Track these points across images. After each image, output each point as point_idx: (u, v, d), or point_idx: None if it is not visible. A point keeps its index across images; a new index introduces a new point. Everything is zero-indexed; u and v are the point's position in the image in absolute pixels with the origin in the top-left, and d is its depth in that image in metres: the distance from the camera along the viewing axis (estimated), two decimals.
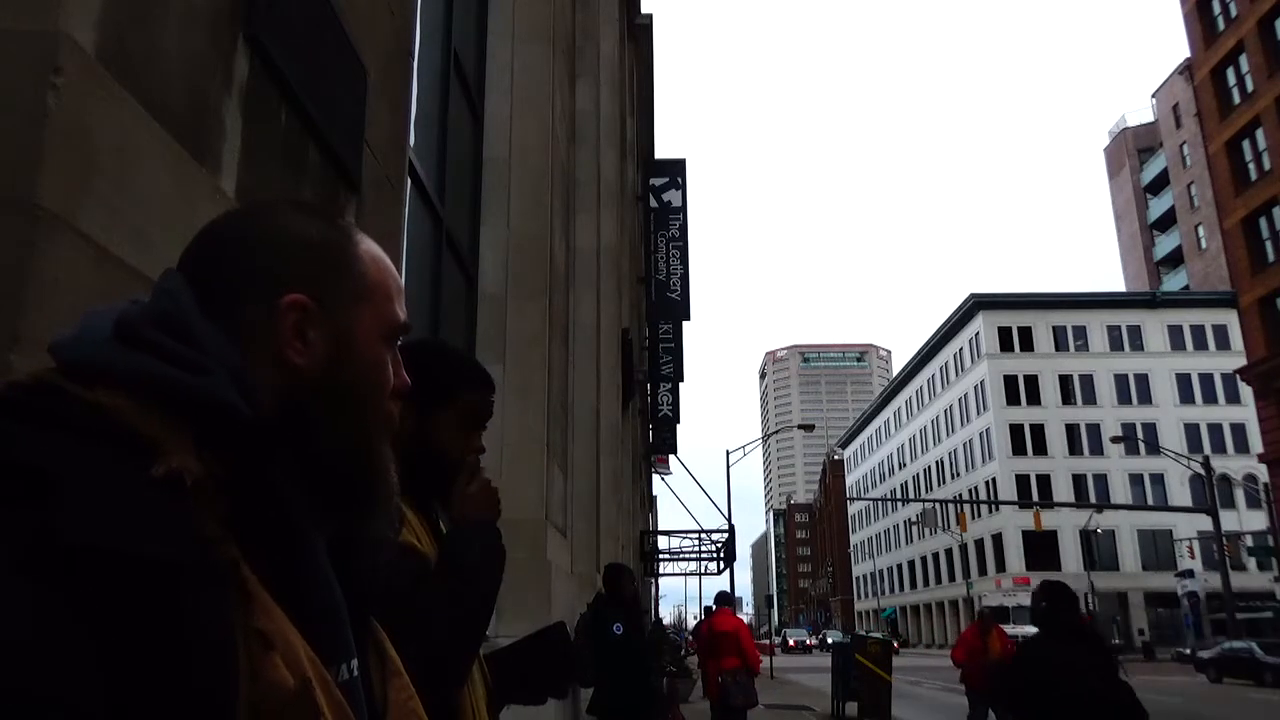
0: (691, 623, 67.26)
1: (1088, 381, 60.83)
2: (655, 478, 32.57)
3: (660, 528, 34.94)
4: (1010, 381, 61.14)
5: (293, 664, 0.61)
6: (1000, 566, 60.25)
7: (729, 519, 28.37)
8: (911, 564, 79.82)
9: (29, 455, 0.56)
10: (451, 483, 1.49)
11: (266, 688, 0.59)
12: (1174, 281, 65.93)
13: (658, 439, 27.51)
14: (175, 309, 0.71)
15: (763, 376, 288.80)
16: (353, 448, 0.76)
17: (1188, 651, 39.73)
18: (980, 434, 63.27)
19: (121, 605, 0.53)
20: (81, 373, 0.65)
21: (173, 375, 0.66)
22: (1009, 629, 29.69)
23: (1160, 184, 66.56)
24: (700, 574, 30.02)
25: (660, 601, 38.61)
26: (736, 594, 16.27)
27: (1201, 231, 59.84)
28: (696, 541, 28.14)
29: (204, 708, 0.56)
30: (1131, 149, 70.94)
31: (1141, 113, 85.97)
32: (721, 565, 27.82)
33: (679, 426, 29.19)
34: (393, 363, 0.81)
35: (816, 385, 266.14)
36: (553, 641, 1.71)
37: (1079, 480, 58.95)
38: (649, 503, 32.28)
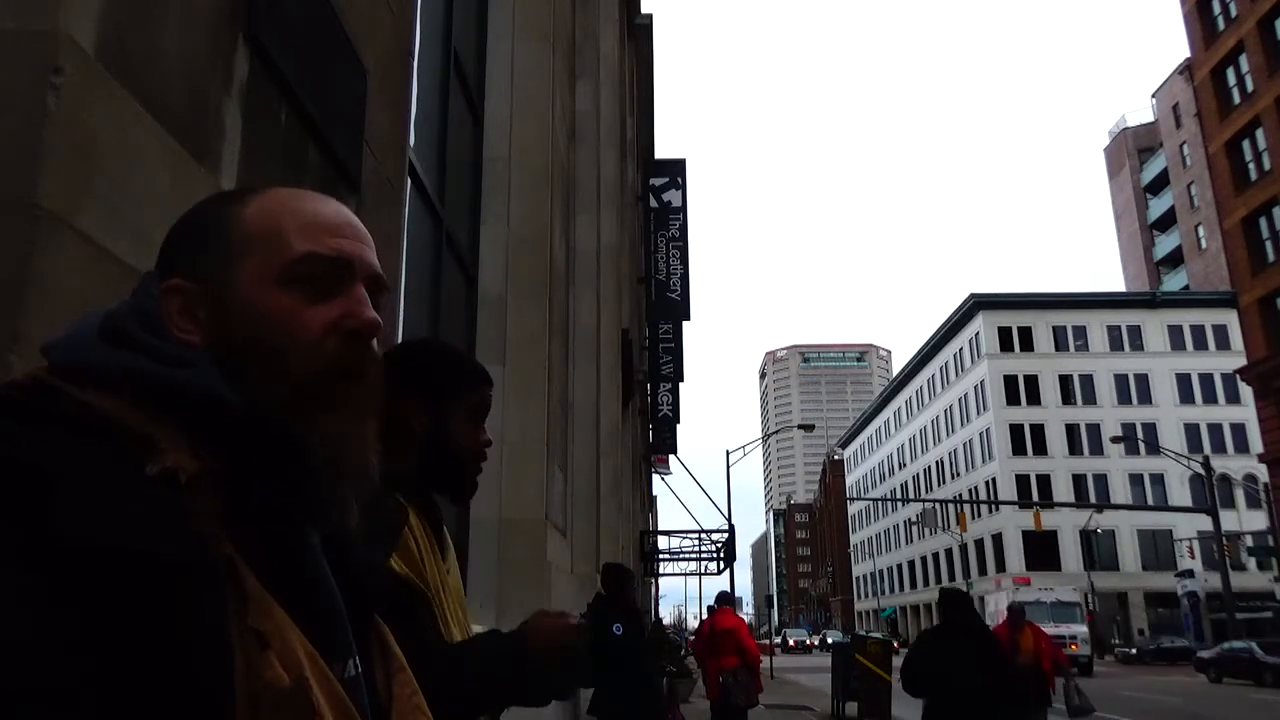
0: (692, 623, 67.23)
1: (1088, 381, 60.80)
2: (655, 478, 32.57)
3: (660, 528, 34.92)
4: (1010, 381, 61.10)
5: (289, 662, 0.61)
6: (1000, 566, 60.20)
7: (729, 519, 28.36)
8: (911, 564, 79.77)
9: (27, 454, 0.56)
10: (465, 476, 1.51)
11: (262, 686, 0.59)
12: (1174, 281, 65.91)
13: (658, 439, 27.48)
14: (154, 306, 0.71)
15: (763, 376, 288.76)
16: (282, 407, 0.69)
17: (1135, 651, 40.59)
18: (980, 434, 63.24)
19: (120, 603, 0.54)
20: (72, 372, 0.65)
21: (159, 371, 0.66)
22: (1049, 628, 27.36)
23: (1160, 184, 66.54)
24: (700, 574, 30.02)
25: (660, 601, 38.59)
26: (736, 594, 16.24)
27: (1201, 231, 59.83)
28: (696, 541, 28.12)
29: (201, 705, 0.56)
30: (1131, 149, 70.92)
31: (1141, 113, 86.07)
32: (721, 565, 27.80)
33: (679, 426, 29.17)
34: (349, 301, 0.72)
35: (816, 385, 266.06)
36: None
37: (1079, 480, 58.91)
38: (649, 503, 32.26)
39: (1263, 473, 36.65)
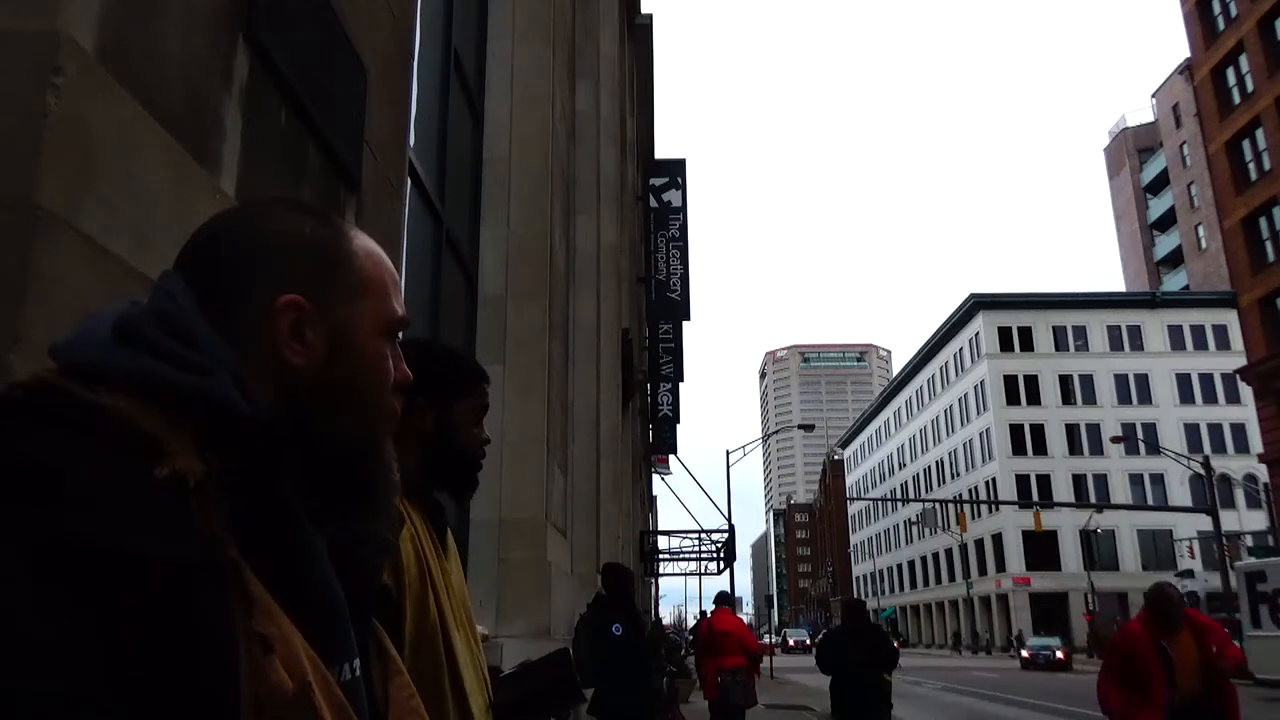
0: (692, 623, 67.04)
1: (1088, 381, 60.80)
2: (655, 478, 32.56)
3: (660, 528, 34.90)
4: (1010, 381, 61.10)
5: (293, 667, 0.62)
6: (1000, 566, 60.22)
7: (729, 519, 28.36)
8: (911, 564, 79.78)
9: (34, 455, 0.56)
10: (470, 474, 1.52)
11: (267, 690, 0.59)
12: (1174, 281, 65.90)
13: (658, 439, 27.48)
14: (175, 309, 0.71)
15: (763, 376, 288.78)
16: (356, 445, 0.77)
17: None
18: (980, 434, 63.24)
19: (126, 605, 0.54)
20: (83, 373, 0.65)
21: (173, 375, 0.66)
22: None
23: (1160, 184, 66.53)
24: (700, 574, 30.00)
25: (660, 601, 38.56)
26: (736, 594, 16.25)
27: (1201, 231, 59.81)
28: (696, 541, 28.11)
29: (207, 709, 0.56)
30: (1131, 149, 70.91)
31: (1141, 113, 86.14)
32: (721, 565, 27.80)
33: (679, 426, 29.16)
34: (393, 357, 0.81)
35: (816, 385, 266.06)
36: (557, 666, 1.74)
37: (1079, 480, 58.91)
38: (649, 503, 32.25)
39: (1263, 473, 36.65)
